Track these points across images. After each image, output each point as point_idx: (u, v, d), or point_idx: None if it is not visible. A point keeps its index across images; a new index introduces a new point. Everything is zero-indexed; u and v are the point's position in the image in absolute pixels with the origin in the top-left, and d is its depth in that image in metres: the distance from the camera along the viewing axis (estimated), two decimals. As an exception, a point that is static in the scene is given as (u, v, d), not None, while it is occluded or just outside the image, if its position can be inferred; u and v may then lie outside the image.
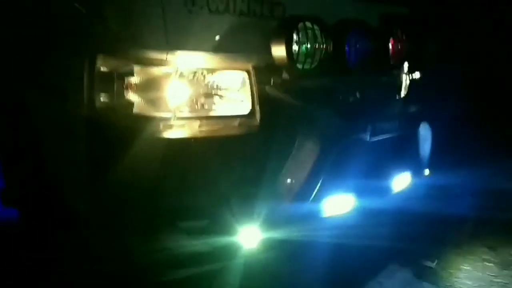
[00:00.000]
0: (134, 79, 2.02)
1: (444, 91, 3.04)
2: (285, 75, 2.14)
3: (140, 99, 2.03)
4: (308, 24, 2.09)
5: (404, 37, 2.51)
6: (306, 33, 2.09)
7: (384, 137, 2.43)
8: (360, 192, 2.43)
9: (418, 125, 2.66)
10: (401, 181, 2.68)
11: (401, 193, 2.72)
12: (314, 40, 2.11)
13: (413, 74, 2.60)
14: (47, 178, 2.55)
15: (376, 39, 2.37)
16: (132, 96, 2.03)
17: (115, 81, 2.05)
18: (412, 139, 2.67)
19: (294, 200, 2.21)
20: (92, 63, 2.09)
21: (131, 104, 2.03)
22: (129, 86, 2.02)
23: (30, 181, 2.71)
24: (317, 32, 2.12)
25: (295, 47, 2.06)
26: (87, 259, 2.28)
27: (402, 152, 2.61)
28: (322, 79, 2.24)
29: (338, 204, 2.36)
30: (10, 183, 2.92)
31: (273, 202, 2.18)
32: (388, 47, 2.43)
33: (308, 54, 2.11)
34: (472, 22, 4.00)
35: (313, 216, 2.29)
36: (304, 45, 2.09)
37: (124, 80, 2.03)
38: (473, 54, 3.87)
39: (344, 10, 2.45)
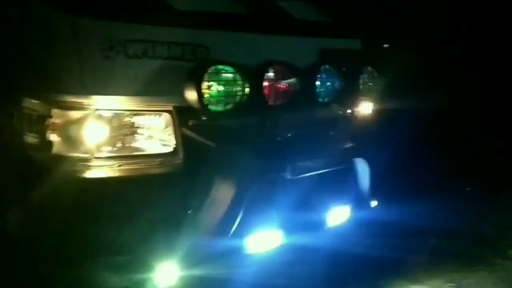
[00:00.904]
0: (53, 121, 2.11)
1: (392, 123, 3.05)
2: (202, 116, 2.21)
3: (59, 140, 2.12)
4: (220, 67, 2.15)
5: (335, 73, 2.55)
6: (218, 76, 2.15)
7: (311, 173, 2.46)
8: (289, 229, 2.46)
9: (351, 160, 2.68)
10: (337, 215, 2.70)
11: (340, 227, 2.74)
12: (227, 82, 2.17)
13: (346, 110, 2.63)
14: None
15: (301, 76, 2.42)
16: (52, 137, 2.12)
17: (38, 123, 2.16)
18: (346, 174, 2.68)
19: (214, 237, 2.26)
20: (19, 105, 2.20)
21: (50, 144, 2.12)
22: (49, 128, 2.12)
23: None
24: (231, 75, 2.18)
25: (206, 91, 2.12)
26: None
27: (334, 187, 2.62)
28: (242, 119, 2.29)
29: (264, 241, 2.40)
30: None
31: (193, 239, 2.23)
32: (315, 84, 2.47)
33: (222, 96, 2.17)
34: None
35: (235, 253, 2.33)
36: (216, 88, 2.15)
37: (44, 122, 2.13)
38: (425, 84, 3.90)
39: (279, 48, 2.52)
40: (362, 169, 2.76)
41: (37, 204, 2.16)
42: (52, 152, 2.13)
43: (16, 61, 2.19)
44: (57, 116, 2.11)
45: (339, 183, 2.65)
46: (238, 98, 2.22)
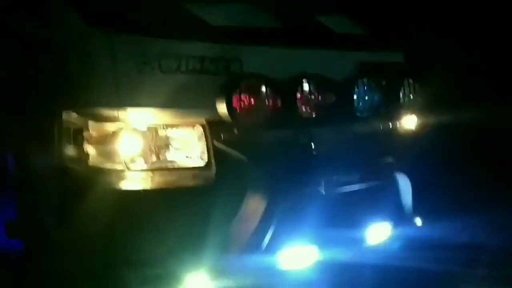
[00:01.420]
0: (90, 134, 2.19)
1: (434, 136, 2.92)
2: (235, 130, 2.21)
3: (95, 152, 2.19)
4: (252, 80, 2.14)
5: (372, 86, 2.48)
6: (250, 90, 2.14)
7: (347, 188, 2.40)
8: (325, 245, 2.39)
9: (391, 175, 2.59)
10: (377, 232, 2.60)
11: (382, 245, 2.64)
12: (259, 96, 2.16)
13: (386, 124, 2.56)
14: (37, 212, 2.76)
15: (337, 90, 2.37)
16: (88, 149, 2.20)
17: (75, 136, 2.25)
18: (386, 189, 2.59)
19: (245, 251, 2.23)
20: (58, 119, 2.29)
21: (87, 156, 2.20)
22: (86, 140, 2.20)
23: (29, 215, 2.93)
24: (263, 88, 2.17)
25: (238, 104, 2.12)
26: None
27: (374, 203, 2.53)
28: (275, 133, 2.27)
29: (298, 257, 2.34)
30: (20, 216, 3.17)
31: (225, 253, 2.22)
32: (352, 97, 2.41)
33: (254, 110, 2.16)
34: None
35: (268, 268, 2.29)
36: (248, 102, 2.14)
37: (82, 135, 2.20)
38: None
39: (316, 62, 2.48)
40: (404, 184, 2.65)
41: (75, 214, 2.23)
42: (89, 164, 2.19)
43: (56, 76, 2.27)
44: (93, 129, 2.18)
45: (379, 198, 2.56)
46: (270, 111, 2.20)
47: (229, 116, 2.12)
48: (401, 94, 2.60)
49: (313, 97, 2.31)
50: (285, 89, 2.23)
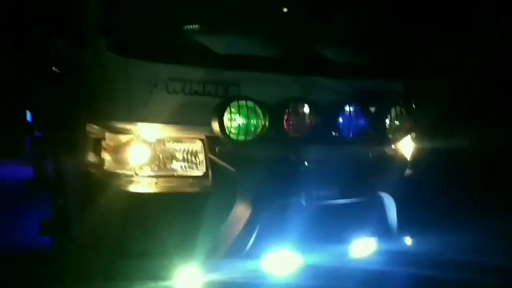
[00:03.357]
0: (106, 143, 2.58)
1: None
2: (227, 144, 2.55)
3: (110, 159, 2.58)
4: (242, 102, 2.49)
5: (359, 112, 2.75)
6: (239, 111, 2.48)
7: (331, 202, 2.68)
8: (307, 253, 2.66)
9: (374, 194, 2.83)
10: (360, 247, 2.84)
11: (366, 259, 2.87)
12: (248, 115, 2.50)
13: (371, 147, 2.81)
14: (66, 212, 3.19)
15: (323, 112, 2.67)
16: (105, 156, 2.59)
17: (95, 144, 2.65)
18: (369, 206, 2.83)
19: (230, 253, 2.54)
20: (83, 130, 2.72)
21: (103, 162, 2.59)
22: (103, 148, 2.60)
23: (59, 215, 3.35)
24: (252, 109, 2.50)
25: (227, 123, 2.46)
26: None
27: (357, 219, 2.78)
28: (263, 148, 2.59)
29: (280, 261, 2.62)
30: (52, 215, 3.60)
31: (214, 252, 2.53)
32: (336, 120, 2.70)
33: (243, 127, 2.50)
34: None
35: (250, 270, 2.57)
36: (238, 120, 2.48)
37: (100, 143, 2.61)
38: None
39: (308, 87, 2.79)
40: (387, 203, 2.88)
41: (92, 212, 2.62)
42: (104, 169, 2.59)
43: (82, 93, 2.71)
44: (109, 139, 2.58)
45: (362, 215, 2.80)
46: (259, 129, 2.53)
47: (221, 133, 2.47)
48: (387, 121, 2.86)
49: (299, 118, 2.62)
50: (274, 110, 2.56)
